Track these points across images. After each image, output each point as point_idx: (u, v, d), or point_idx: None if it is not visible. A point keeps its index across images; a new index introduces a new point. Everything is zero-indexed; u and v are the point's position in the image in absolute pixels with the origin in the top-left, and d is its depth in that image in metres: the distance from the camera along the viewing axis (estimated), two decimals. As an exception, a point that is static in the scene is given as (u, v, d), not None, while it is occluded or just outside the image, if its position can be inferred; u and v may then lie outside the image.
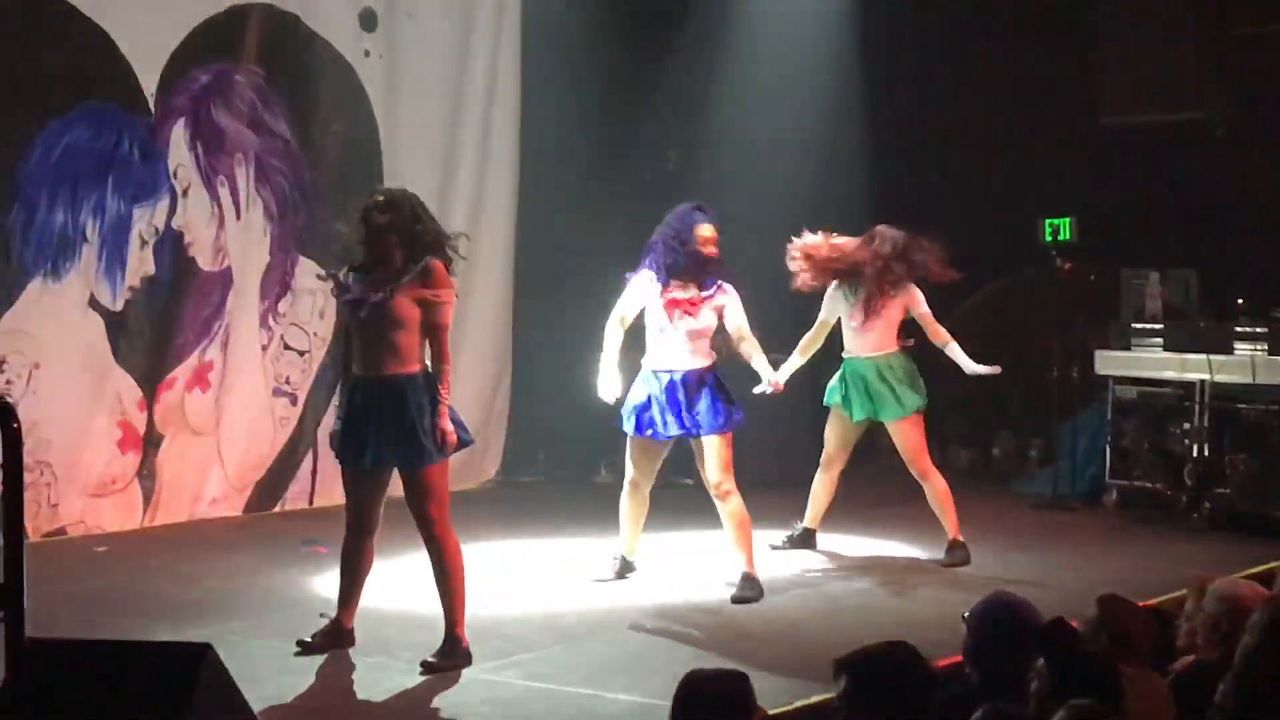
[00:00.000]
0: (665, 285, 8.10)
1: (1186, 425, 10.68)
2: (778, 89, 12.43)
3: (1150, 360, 10.90)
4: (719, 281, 8.16)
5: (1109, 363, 11.09)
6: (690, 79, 12.45)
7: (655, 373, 8.15)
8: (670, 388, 8.08)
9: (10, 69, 9.22)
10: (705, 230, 8.12)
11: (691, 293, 8.11)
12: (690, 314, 8.09)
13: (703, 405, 8.04)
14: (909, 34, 13.31)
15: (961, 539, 9.05)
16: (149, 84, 9.78)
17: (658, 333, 8.14)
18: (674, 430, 8.09)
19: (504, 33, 11.71)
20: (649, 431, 8.13)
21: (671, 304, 8.09)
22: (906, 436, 9.04)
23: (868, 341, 9.04)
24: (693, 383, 8.08)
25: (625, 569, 8.50)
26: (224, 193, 10.18)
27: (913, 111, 13.35)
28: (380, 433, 6.71)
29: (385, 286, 6.72)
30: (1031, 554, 9.35)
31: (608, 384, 8.15)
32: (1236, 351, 10.53)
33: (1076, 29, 12.89)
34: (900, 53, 13.33)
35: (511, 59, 11.77)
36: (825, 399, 9.20)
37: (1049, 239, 11.07)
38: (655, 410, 8.09)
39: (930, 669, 4.42)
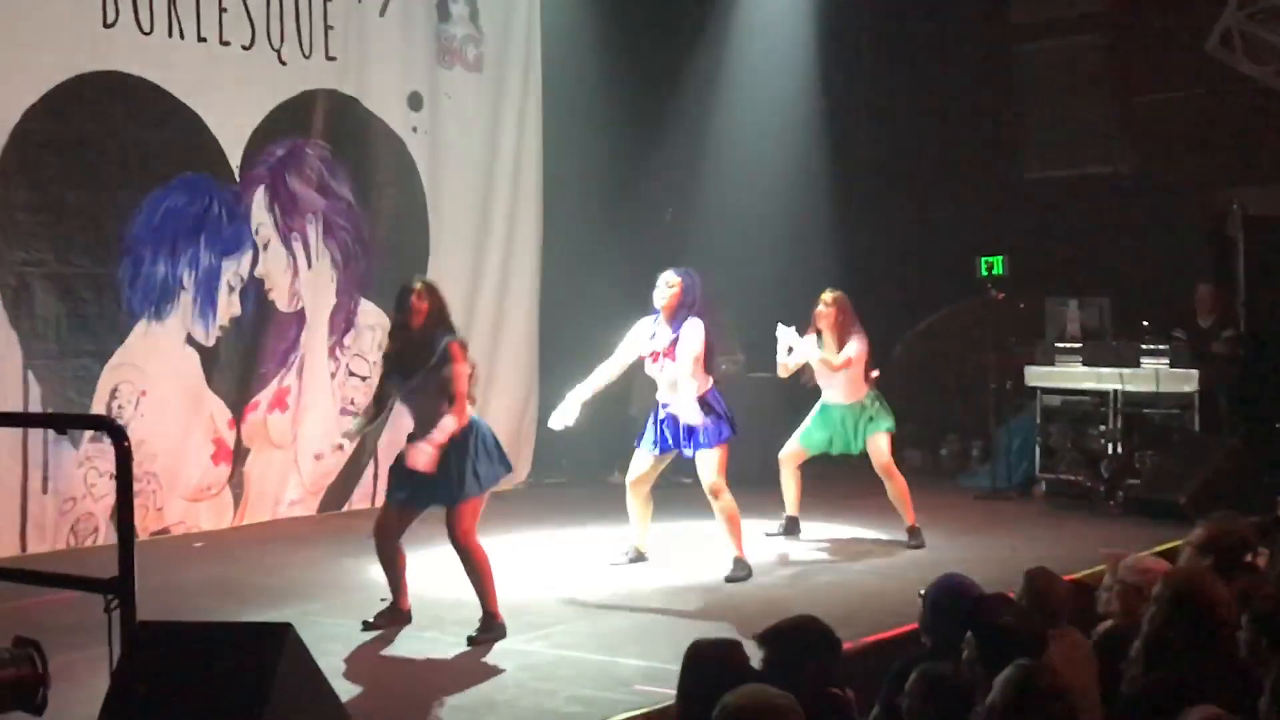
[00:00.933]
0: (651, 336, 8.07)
1: (1103, 427, 10.66)
2: (755, 142, 12.47)
3: (1071, 373, 10.88)
4: (686, 320, 7.97)
5: (1037, 376, 11.07)
6: (683, 145, 12.49)
7: (659, 403, 8.13)
8: (669, 417, 8.04)
9: (119, 145, 9.23)
10: (663, 277, 8.05)
11: (665, 342, 8.01)
12: (669, 358, 8.02)
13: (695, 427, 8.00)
14: (867, 100, 13.37)
15: (917, 525, 9.04)
16: (234, 157, 9.79)
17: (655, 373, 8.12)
18: (672, 446, 8.08)
19: (527, 109, 11.71)
20: (654, 449, 8.13)
21: (653, 356, 8.06)
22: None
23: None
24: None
25: (637, 558, 8.44)
26: (297, 246, 10.18)
27: (870, 168, 13.39)
28: (423, 479, 6.66)
29: (419, 372, 6.70)
30: (976, 537, 9.33)
31: (562, 412, 8.02)
32: (1143, 365, 10.52)
33: (1003, 98, 12.92)
34: (859, 117, 13.39)
35: (534, 130, 11.76)
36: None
37: (985, 273, 11.05)
38: (654, 432, 8.09)
39: (835, 636, 4.43)
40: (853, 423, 9.08)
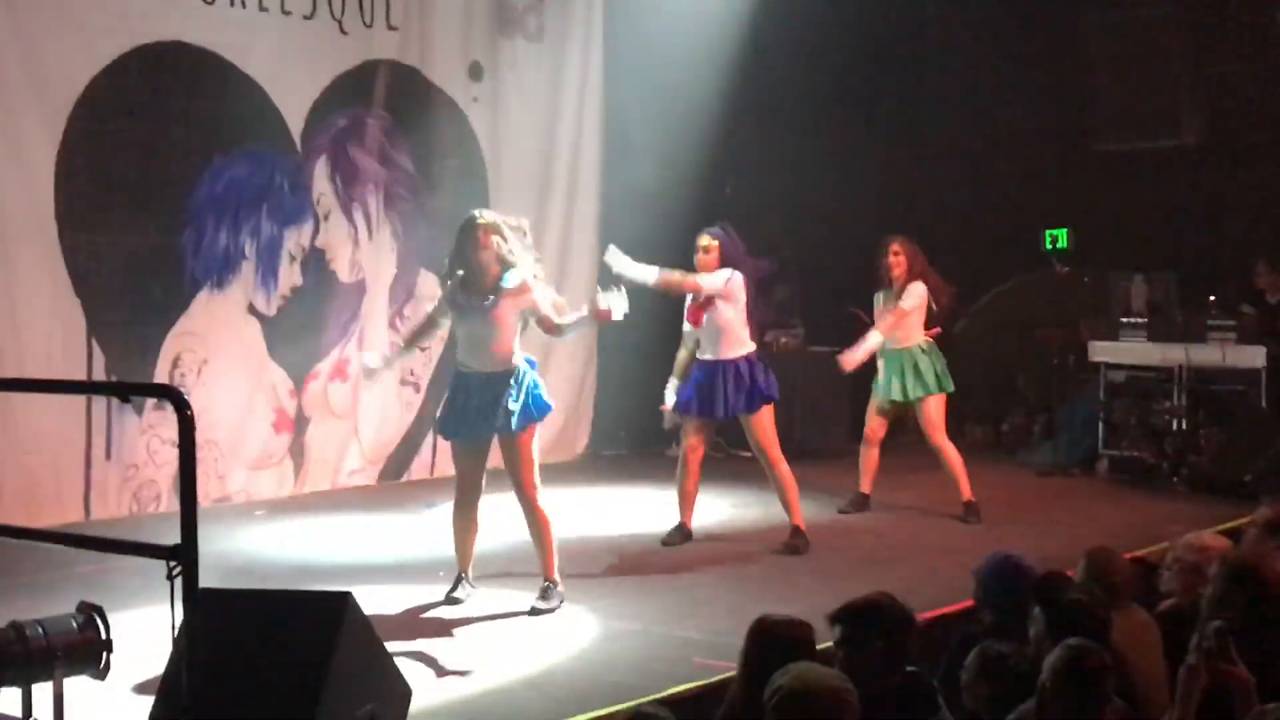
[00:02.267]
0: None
1: (1167, 403, 10.57)
2: (816, 115, 12.38)
3: (1136, 349, 10.78)
4: (729, 274, 7.97)
5: (1101, 351, 10.98)
6: (744, 116, 12.41)
7: (699, 366, 8.07)
8: (708, 377, 7.98)
9: (183, 117, 9.28)
10: (701, 241, 8.05)
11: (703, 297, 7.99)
12: (707, 309, 8.01)
13: (736, 389, 7.93)
14: (934, 72, 13.24)
15: (974, 501, 8.99)
16: (296, 128, 9.84)
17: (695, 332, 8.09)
18: (710, 410, 8.00)
19: (589, 79, 11.70)
20: (694, 413, 8.05)
21: (693, 314, 8.04)
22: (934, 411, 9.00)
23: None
24: (730, 372, 7.97)
25: (684, 538, 8.29)
26: (358, 217, 10.23)
27: (935, 140, 13.28)
28: (478, 412, 6.75)
29: (489, 295, 6.76)
30: (1037, 513, 9.28)
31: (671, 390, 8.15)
32: (1209, 340, 10.41)
33: (1074, 66, 12.78)
34: (925, 88, 13.26)
35: (595, 100, 11.75)
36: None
37: (1049, 247, 11.00)
38: (698, 394, 8.01)
39: (908, 612, 4.38)
40: (900, 370, 8.97)
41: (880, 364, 9.06)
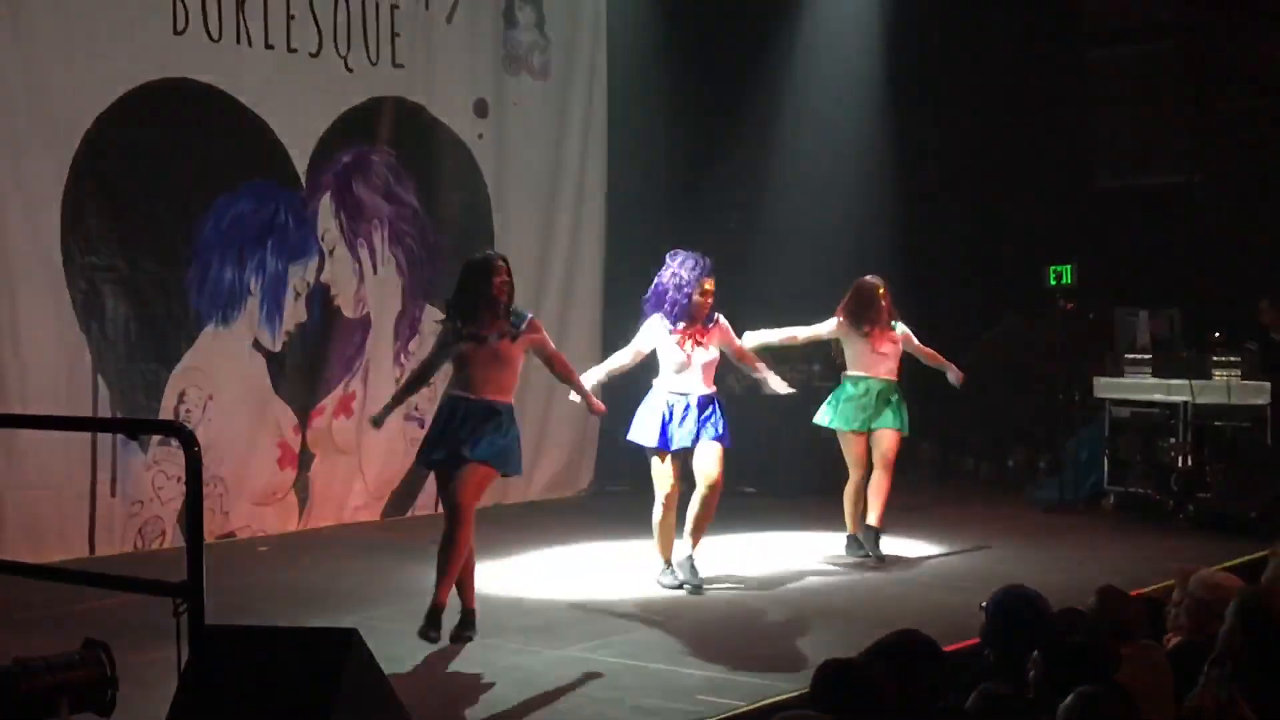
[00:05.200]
0: (674, 326, 8.02)
1: (1172, 439, 10.55)
2: (820, 147, 12.41)
3: (1141, 384, 10.78)
4: (716, 317, 8.07)
5: (1106, 387, 10.98)
6: (748, 150, 12.47)
7: (670, 401, 8.01)
8: (686, 408, 7.97)
9: (188, 153, 9.32)
10: (708, 285, 8.01)
11: (697, 330, 8.02)
12: (701, 345, 8.01)
13: (714, 419, 7.97)
14: (935, 105, 13.29)
15: (880, 529, 8.84)
16: (301, 164, 9.88)
17: (674, 365, 8.04)
18: (688, 442, 7.97)
19: (593, 116, 11.75)
20: (674, 446, 7.99)
21: (685, 335, 8.01)
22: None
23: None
24: (705, 403, 8.00)
25: (685, 578, 8.10)
26: (363, 253, 10.25)
27: (937, 176, 13.32)
28: (462, 434, 6.79)
29: (502, 331, 6.83)
30: (1042, 550, 9.26)
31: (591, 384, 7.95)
32: (1214, 377, 10.40)
33: (1076, 103, 12.82)
34: (926, 122, 13.31)
35: (599, 136, 11.81)
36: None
37: (1053, 282, 10.98)
38: (675, 426, 7.97)
39: (940, 650, 4.29)
40: (883, 401, 8.91)
41: (855, 391, 8.94)
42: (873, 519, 8.86)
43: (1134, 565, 8.40)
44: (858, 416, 8.85)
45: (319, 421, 10.02)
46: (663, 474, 8.00)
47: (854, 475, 8.93)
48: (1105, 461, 10.93)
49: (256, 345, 9.67)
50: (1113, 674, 4.25)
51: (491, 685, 6.20)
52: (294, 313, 9.84)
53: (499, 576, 7.96)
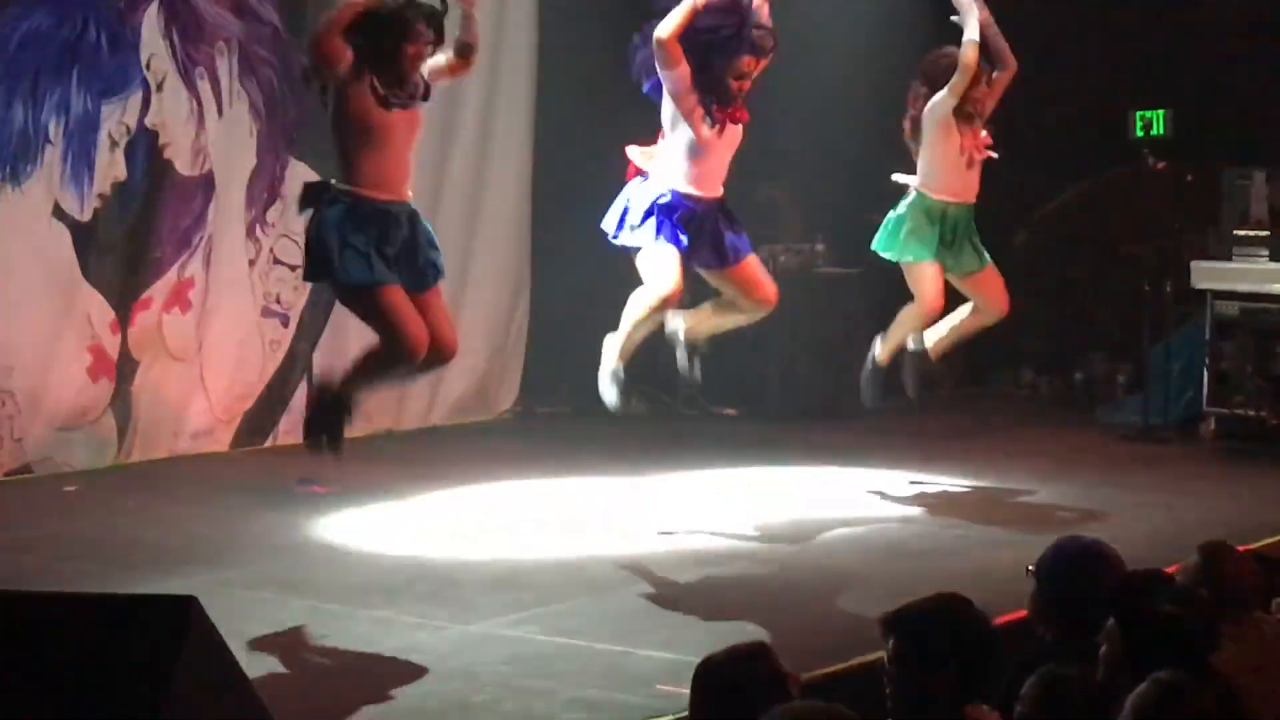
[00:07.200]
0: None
1: (1296, 345, 10.67)
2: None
3: (1255, 271, 10.84)
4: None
5: (1208, 275, 11.03)
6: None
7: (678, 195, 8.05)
8: (702, 215, 8.04)
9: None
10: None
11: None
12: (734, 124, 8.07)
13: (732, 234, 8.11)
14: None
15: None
16: (117, -39, 9.78)
17: (686, 147, 8.07)
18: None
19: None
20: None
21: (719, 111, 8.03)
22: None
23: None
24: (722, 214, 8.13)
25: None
26: (204, 86, 10.14)
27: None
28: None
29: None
30: (1119, 491, 9.32)
31: None
32: (1354, 261, 10.52)
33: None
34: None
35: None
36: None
37: (1140, 134, 11.00)
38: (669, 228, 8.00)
39: (990, 625, 4.31)
40: (964, 237, 9.02)
41: (925, 219, 9.00)
42: (930, 342, 8.99)
43: (1240, 513, 8.49)
44: (939, 250, 8.91)
45: (145, 317, 9.97)
46: (665, 268, 7.93)
47: (927, 307, 8.99)
48: (1205, 375, 11.01)
49: (58, 213, 9.58)
50: (1209, 655, 4.29)
51: (374, 671, 6.21)
52: (109, 169, 9.74)
53: (391, 526, 7.95)
